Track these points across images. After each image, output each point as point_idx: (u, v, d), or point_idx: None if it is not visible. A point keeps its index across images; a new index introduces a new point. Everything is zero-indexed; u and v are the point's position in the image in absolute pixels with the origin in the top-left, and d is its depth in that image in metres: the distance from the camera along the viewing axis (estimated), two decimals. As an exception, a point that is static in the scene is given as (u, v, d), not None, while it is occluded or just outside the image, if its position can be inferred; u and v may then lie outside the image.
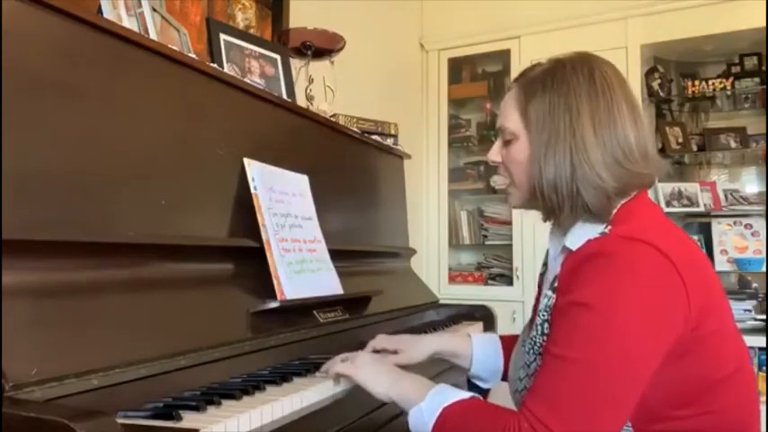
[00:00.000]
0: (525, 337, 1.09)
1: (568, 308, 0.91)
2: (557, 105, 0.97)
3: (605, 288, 0.88)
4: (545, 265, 1.15)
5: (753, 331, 2.81)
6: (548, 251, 1.14)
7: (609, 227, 0.96)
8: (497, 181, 1.07)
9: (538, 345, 1.01)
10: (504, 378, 1.29)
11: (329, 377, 1.10)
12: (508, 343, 1.30)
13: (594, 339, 0.86)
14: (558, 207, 0.99)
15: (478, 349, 1.31)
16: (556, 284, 0.98)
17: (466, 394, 0.97)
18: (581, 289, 0.89)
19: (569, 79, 0.98)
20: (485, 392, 1.37)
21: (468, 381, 1.37)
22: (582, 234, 0.97)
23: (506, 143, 1.05)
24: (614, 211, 0.98)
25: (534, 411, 0.86)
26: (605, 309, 0.87)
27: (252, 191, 1.36)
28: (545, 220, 1.08)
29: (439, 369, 1.47)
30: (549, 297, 0.99)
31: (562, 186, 0.96)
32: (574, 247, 0.97)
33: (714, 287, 0.97)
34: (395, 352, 1.27)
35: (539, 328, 1.01)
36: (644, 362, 0.87)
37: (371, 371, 1.07)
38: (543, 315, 1.00)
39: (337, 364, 1.11)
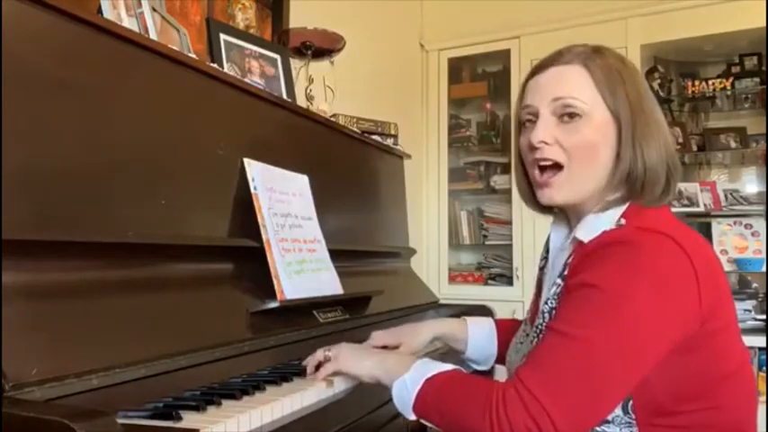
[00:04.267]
0: (529, 329, 1.09)
1: (577, 288, 0.90)
2: (645, 92, 1.01)
3: (622, 273, 0.86)
4: (544, 258, 1.14)
5: (753, 331, 2.80)
6: (547, 243, 1.14)
7: (623, 220, 0.96)
8: (540, 176, 1.00)
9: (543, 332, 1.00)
10: (499, 361, 1.30)
11: (317, 380, 1.08)
12: (503, 326, 1.32)
13: (601, 321, 0.85)
14: (648, 191, 0.98)
15: (473, 332, 1.32)
16: (566, 272, 0.97)
17: (449, 367, 0.96)
18: (594, 271, 0.88)
19: (637, 74, 1.02)
20: (486, 374, 1.38)
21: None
22: (595, 226, 0.97)
23: (566, 119, 0.98)
24: (625, 206, 0.98)
25: (524, 379, 0.84)
26: (618, 293, 0.85)
27: (252, 191, 1.36)
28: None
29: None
30: (558, 285, 0.99)
31: (662, 169, 0.99)
32: (586, 240, 0.96)
33: (724, 285, 0.96)
34: (397, 347, 1.28)
35: (545, 315, 1.00)
36: (646, 354, 0.86)
37: (354, 358, 1.08)
38: (551, 303, 0.99)
39: (321, 368, 1.09)
